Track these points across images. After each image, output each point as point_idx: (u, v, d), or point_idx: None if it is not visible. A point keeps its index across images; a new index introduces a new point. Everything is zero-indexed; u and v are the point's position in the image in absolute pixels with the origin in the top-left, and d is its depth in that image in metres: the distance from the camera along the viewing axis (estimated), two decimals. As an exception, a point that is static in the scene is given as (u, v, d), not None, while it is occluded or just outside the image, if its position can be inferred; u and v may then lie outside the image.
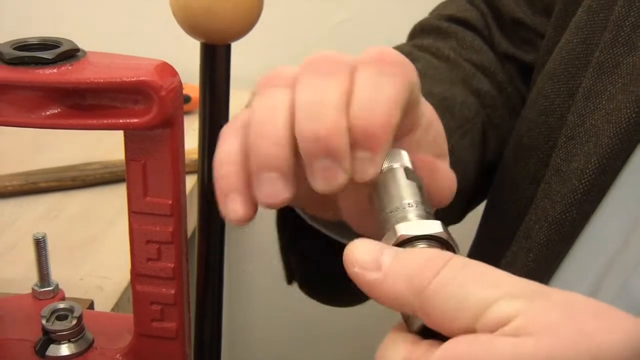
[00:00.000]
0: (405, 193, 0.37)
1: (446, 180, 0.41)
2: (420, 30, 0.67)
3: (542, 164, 0.52)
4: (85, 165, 0.83)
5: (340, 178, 0.37)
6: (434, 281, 0.32)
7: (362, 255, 0.34)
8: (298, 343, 1.29)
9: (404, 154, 0.39)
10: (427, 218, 0.36)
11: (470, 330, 0.31)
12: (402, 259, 0.33)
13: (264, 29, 1.13)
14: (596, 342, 0.29)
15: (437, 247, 0.35)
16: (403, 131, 0.40)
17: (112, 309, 0.64)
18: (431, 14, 0.69)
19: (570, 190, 0.48)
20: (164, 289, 0.47)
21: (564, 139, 0.50)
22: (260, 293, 1.26)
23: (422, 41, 0.65)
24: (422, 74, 0.58)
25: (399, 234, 0.35)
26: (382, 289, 0.33)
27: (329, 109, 0.36)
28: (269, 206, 0.38)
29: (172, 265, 0.46)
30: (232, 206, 0.38)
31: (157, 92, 0.41)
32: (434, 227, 0.35)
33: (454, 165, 0.52)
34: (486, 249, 0.58)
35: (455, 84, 0.60)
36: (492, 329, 0.30)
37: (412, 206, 0.37)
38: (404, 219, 0.36)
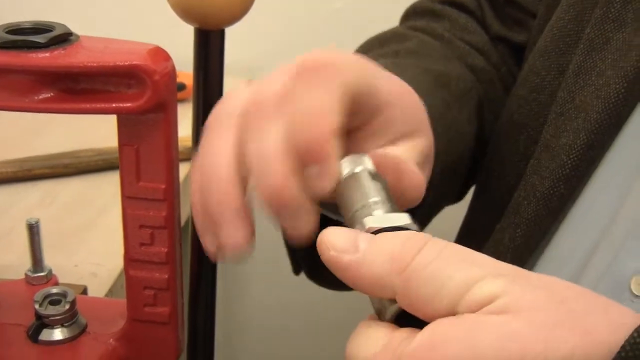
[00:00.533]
0: (370, 192, 0.37)
1: (413, 180, 0.40)
2: (413, 13, 0.67)
3: (532, 140, 0.52)
4: (79, 152, 0.83)
5: (306, 224, 0.37)
6: (416, 259, 0.31)
7: (337, 239, 0.33)
8: (295, 332, 1.29)
9: (366, 159, 0.39)
10: (394, 212, 0.36)
11: (452, 312, 0.31)
12: (381, 240, 0.33)
13: (259, 16, 1.12)
14: (586, 322, 0.29)
15: None
16: (364, 118, 0.40)
17: (106, 296, 0.64)
18: None
19: (558, 166, 0.48)
20: (157, 274, 0.47)
21: (554, 115, 0.50)
22: (256, 282, 1.27)
23: (415, 23, 0.65)
24: (414, 52, 0.59)
25: (366, 226, 0.35)
26: (361, 270, 0.32)
27: (272, 163, 0.36)
28: (235, 249, 0.38)
29: (165, 250, 0.47)
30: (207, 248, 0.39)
31: (150, 77, 0.41)
32: (402, 219, 0.35)
33: (452, 139, 0.51)
34: (477, 226, 0.59)
35: (451, 60, 0.60)
36: (475, 309, 0.30)
37: (377, 204, 0.37)
38: (370, 215, 0.36)
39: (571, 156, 0.48)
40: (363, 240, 0.33)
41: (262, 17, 1.10)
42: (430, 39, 0.62)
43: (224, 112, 0.39)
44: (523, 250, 0.50)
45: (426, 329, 0.31)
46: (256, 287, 1.27)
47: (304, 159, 0.36)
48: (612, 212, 0.46)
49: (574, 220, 0.49)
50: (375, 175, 0.38)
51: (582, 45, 0.50)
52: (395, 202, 0.38)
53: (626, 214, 0.46)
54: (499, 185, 0.56)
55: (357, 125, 0.40)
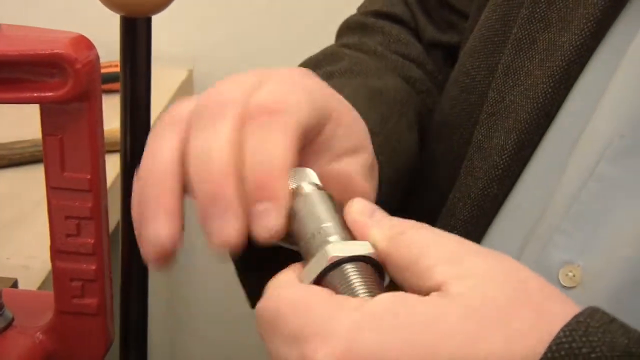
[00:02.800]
0: (322, 216, 0.37)
1: (359, 191, 0.41)
2: (346, 29, 0.66)
3: (465, 141, 0.53)
4: (13, 143, 0.82)
5: (233, 230, 0.36)
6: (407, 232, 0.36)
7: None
8: (250, 321, 1.28)
9: (310, 172, 0.39)
10: (349, 239, 0.36)
11: (420, 282, 0.35)
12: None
13: (201, 4, 1.11)
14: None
15: (364, 267, 0.35)
16: (312, 138, 0.41)
17: (39, 288, 0.63)
18: (359, 9, 0.69)
19: (491, 166, 0.49)
20: (84, 265, 0.47)
21: (485, 116, 0.51)
22: (206, 273, 1.25)
23: (347, 40, 0.64)
24: (348, 71, 0.58)
25: (329, 256, 0.35)
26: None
27: (218, 156, 0.36)
28: (158, 251, 0.37)
29: (92, 241, 0.46)
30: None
31: (72, 65, 0.41)
32: (364, 247, 0.36)
33: (394, 150, 0.52)
34: None
35: (385, 73, 0.60)
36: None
37: (331, 228, 0.37)
38: (327, 242, 0.36)
39: (503, 157, 0.48)
40: None
41: (203, 6, 1.09)
42: (362, 55, 0.61)
43: (168, 117, 0.39)
44: None
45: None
46: (207, 278, 1.26)
47: (254, 197, 0.36)
48: (540, 209, 0.47)
49: (504, 218, 0.49)
50: (322, 194, 0.38)
51: (509, 46, 0.50)
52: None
53: (553, 210, 0.46)
54: (433, 187, 0.56)
55: (305, 144, 0.41)
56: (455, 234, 0.50)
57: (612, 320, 0.33)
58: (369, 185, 0.44)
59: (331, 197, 0.38)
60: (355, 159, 0.43)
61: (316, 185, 0.39)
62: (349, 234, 0.37)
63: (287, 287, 0.36)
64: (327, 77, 0.58)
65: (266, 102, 0.38)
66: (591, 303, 0.42)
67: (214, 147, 0.36)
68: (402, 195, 0.59)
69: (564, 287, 0.44)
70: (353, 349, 0.32)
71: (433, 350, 0.32)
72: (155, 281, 1.16)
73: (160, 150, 0.38)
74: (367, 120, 0.46)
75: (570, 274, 0.44)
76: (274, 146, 0.37)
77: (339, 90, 0.49)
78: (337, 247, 0.35)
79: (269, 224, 0.36)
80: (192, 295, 1.27)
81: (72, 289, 0.47)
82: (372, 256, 0.35)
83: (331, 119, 0.42)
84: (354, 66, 0.59)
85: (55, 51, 0.41)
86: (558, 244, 0.45)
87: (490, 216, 0.50)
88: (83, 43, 0.42)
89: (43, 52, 0.41)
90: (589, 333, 0.31)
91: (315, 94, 0.41)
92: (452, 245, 0.36)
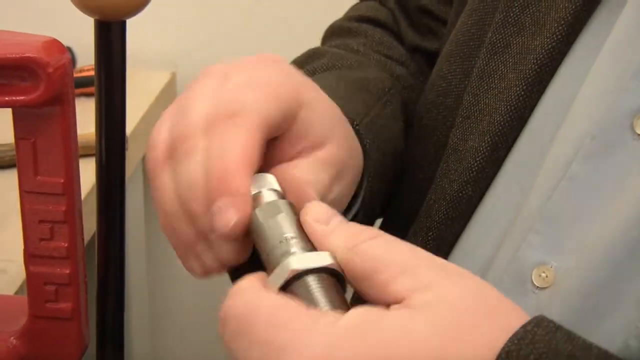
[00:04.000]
0: (283, 226, 0.38)
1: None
2: (330, 34, 0.67)
3: (441, 144, 0.53)
4: (-6, 146, 0.82)
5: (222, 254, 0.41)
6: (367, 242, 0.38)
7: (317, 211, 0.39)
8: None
9: (270, 178, 0.40)
10: (310, 249, 0.37)
11: (382, 292, 0.36)
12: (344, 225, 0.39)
13: (182, 6, 1.10)
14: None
15: (325, 278, 0.36)
16: (285, 128, 0.43)
17: (16, 292, 0.63)
18: (343, 16, 0.70)
19: (466, 169, 0.49)
20: (58, 269, 0.47)
21: (460, 119, 0.51)
22: (186, 276, 1.25)
23: (331, 42, 0.65)
24: (330, 67, 0.59)
25: (290, 268, 0.36)
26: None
27: (196, 192, 0.40)
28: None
29: (66, 245, 0.46)
30: None
31: (43, 69, 0.41)
32: (325, 259, 0.36)
33: (379, 136, 0.52)
34: (391, 230, 0.59)
35: (367, 67, 0.60)
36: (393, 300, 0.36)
37: (293, 239, 0.37)
38: (287, 254, 0.37)
39: (477, 159, 0.49)
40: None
41: (186, 8, 1.09)
42: (344, 52, 0.62)
43: (153, 158, 0.42)
44: (435, 253, 0.51)
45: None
46: (186, 282, 1.26)
47: (214, 197, 0.39)
48: (514, 210, 0.47)
49: (479, 220, 0.50)
50: (283, 202, 0.39)
51: (484, 50, 0.51)
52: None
53: (527, 210, 0.47)
54: (413, 189, 0.57)
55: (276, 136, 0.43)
56: (431, 235, 0.51)
57: (558, 328, 0.34)
58: (334, 185, 0.45)
59: (291, 205, 0.39)
60: (320, 156, 0.44)
61: (277, 192, 0.40)
62: (310, 244, 0.37)
63: (255, 293, 0.36)
64: (311, 74, 0.58)
65: (225, 105, 0.40)
66: (563, 304, 0.43)
67: (191, 187, 0.40)
68: (390, 186, 0.59)
69: (537, 287, 0.45)
70: None
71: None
72: (135, 286, 1.16)
73: (161, 195, 0.42)
74: (349, 108, 0.47)
75: (544, 275, 0.45)
76: (230, 146, 0.39)
77: (320, 83, 0.49)
78: (298, 259, 0.36)
79: (226, 218, 0.39)
80: (172, 297, 1.27)
81: (46, 293, 0.47)
82: (333, 267, 0.36)
83: (302, 108, 0.43)
84: (337, 62, 0.59)
85: (27, 55, 0.41)
86: (532, 245, 0.46)
87: (465, 217, 0.50)
88: (55, 47, 0.42)
89: (14, 55, 0.41)
90: (535, 341, 0.33)
91: (281, 87, 0.42)
92: (405, 256, 0.37)
